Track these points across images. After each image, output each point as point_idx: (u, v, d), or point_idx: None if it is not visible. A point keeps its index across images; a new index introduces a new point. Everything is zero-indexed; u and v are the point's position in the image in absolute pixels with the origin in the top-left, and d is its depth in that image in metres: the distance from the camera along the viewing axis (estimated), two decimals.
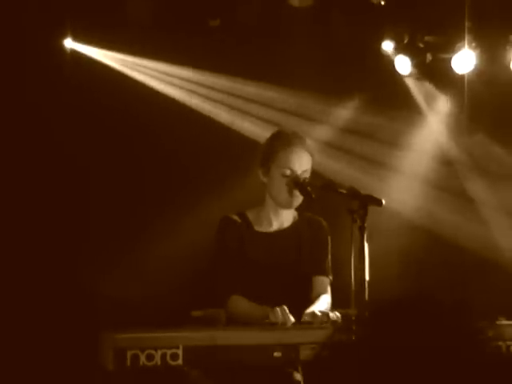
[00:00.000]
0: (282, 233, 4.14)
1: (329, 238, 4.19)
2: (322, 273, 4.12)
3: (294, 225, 4.17)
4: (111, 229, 5.82)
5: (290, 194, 4.01)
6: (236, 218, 4.14)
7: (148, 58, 6.06)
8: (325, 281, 4.11)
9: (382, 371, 1.53)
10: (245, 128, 6.14)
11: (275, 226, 4.15)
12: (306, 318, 3.73)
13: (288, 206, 4.07)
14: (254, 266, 4.05)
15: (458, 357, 1.52)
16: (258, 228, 4.14)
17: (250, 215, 4.16)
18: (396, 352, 1.53)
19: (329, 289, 4.11)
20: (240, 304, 3.95)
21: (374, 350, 1.55)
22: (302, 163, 4.02)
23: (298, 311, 3.82)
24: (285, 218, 4.15)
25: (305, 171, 4.03)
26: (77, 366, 4.94)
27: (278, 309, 3.67)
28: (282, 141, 4.09)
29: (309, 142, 4.15)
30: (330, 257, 4.17)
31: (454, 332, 1.55)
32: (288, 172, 4.01)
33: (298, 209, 4.16)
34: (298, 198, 4.04)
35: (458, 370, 1.51)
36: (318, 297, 4.03)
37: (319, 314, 3.70)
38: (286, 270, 4.07)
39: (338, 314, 3.70)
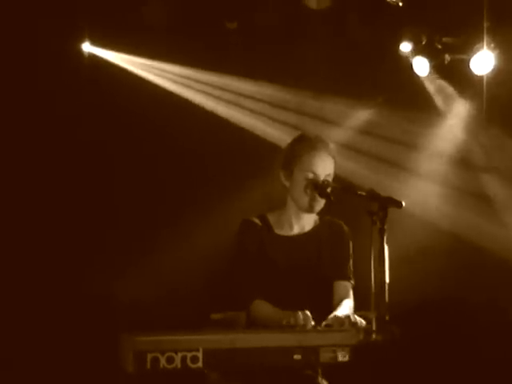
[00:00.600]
0: (302, 237, 4.13)
1: (350, 242, 4.17)
2: (343, 277, 4.10)
3: (315, 229, 4.16)
4: (130, 231, 5.83)
5: (312, 198, 4.00)
6: (257, 220, 4.14)
7: (165, 61, 6.08)
8: (347, 285, 4.09)
9: (417, 370, 1.52)
10: (263, 130, 6.14)
11: (296, 229, 4.14)
12: (327, 322, 3.71)
13: (310, 210, 4.06)
14: (275, 269, 4.04)
15: (496, 357, 1.51)
16: (278, 231, 4.13)
17: (271, 218, 4.15)
18: (430, 352, 1.52)
19: (351, 293, 4.09)
20: (263, 308, 3.94)
21: (407, 350, 1.54)
22: (325, 167, 4.01)
23: (318, 315, 3.80)
24: (306, 222, 4.14)
25: (328, 175, 4.02)
26: (97, 369, 4.95)
27: (299, 312, 3.65)
28: (306, 144, 4.07)
29: (332, 145, 4.13)
30: (351, 261, 4.14)
31: (490, 333, 1.54)
32: (311, 175, 4.00)
33: (319, 212, 4.15)
34: (320, 203, 4.02)
35: (496, 369, 1.50)
36: (340, 302, 4.01)
37: (341, 317, 3.67)
38: (307, 274, 4.05)
39: (359, 318, 3.67)
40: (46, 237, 5.69)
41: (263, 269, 4.03)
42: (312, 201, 4.01)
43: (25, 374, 5.31)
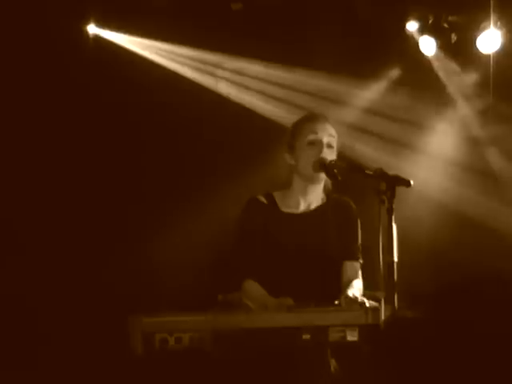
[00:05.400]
0: (308, 214, 4.10)
1: (358, 220, 4.15)
2: (352, 257, 4.07)
3: (322, 206, 4.13)
4: (141, 212, 5.83)
5: (316, 165, 3.97)
6: (263, 198, 4.12)
7: (169, 42, 6.06)
8: (355, 265, 4.06)
9: (448, 350, 1.49)
10: (270, 111, 6.12)
11: (302, 207, 4.11)
12: (339, 302, 3.69)
13: (315, 175, 4.02)
14: (280, 247, 4.02)
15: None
16: (284, 209, 4.11)
17: (277, 196, 4.13)
18: (462, 332, 1.50)
19: (360, 273, 4.06)
20: (250, 289, 3.92)
21: (440, 328, 1.52)
22: (325, 128, 4.03)
23: (325, 294, 3.79)
24: (312, 199, 4.11)
25: (330, 136, 4.01)
26: (106, 350, 4.96)
27: (282, 300, 3.62)
28: (306, 117, 4.15)
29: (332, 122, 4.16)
30: (360, 240, 4.12)
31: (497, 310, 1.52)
32: (312, 136, 3.99)
33: (326, 191, 4.14)
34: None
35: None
36: (348, 282, 3.97)
37: (352, 297, 3.65)
38: (312, 252, 4.02)
39: (370, 302, 3.63)
40: (60, 218, 5.70)
41: (268, 247, 4.01)
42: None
43: (33, 356, 5.32)
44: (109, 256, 5.70)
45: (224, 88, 6.10)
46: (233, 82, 6.17)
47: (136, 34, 6.00)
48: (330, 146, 4.01)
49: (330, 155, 3.98)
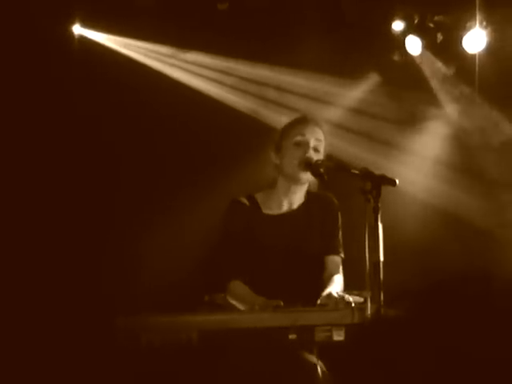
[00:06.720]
0: (291, 214, 4.10)
1: (339, 213, 4.15)
2: (333, 252, 4.07)
3: (304, 204, 4.12)
4: (128, 212, 5.82)
5: (301, 164, 3.97)
6: (245, 200, 4.11)
7: (155, 43, 6.06)
8: (336, 260, 4.07)
9: (435, 348, 1.50)
10: (256, 111, 6.12)
11: (285, 207, 4.10)
12: (322, 300, 3.70)
13: (300, 175, 4.02)
14: (263, 249, 4.01)
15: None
16: (266, 211, 4.09)
17: (259, 198, 4.12)
18: (445, 329, 1.50)
19: (341, 268, 4.07)
20: (236, 290, 3.91)
21: (424, 326, 1.52)
22: (313, 131, 4.03)
23: (308, 293, 3.79)
24: (295, 199, 4.10)
25: (317, 140, 4.01)
26: (93, 350, 4.95)
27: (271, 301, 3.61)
28: (296, 120, 4.15)
29: (323, 125, 4.16)
30: (340, 233, 4.13)
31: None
32: (299, 138, 4.00)
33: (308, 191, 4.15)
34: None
35: None
36: (330, 277, 3.97)
37: (335, 296, 3.66)
38: (296, 252, 4.02)
39: (353, 298, 3.64)
40: (49, 220, 5.68)
41: (251, 249, 4.01)
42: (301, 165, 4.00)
43: (20, 356, 5.31)
44: (96, 255, 5.69)
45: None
46: (216, 81, 6.17)
47: (121, 34, 5.99)
48: (316, 149, 4.01)
49: (315, 157, 3.98)
